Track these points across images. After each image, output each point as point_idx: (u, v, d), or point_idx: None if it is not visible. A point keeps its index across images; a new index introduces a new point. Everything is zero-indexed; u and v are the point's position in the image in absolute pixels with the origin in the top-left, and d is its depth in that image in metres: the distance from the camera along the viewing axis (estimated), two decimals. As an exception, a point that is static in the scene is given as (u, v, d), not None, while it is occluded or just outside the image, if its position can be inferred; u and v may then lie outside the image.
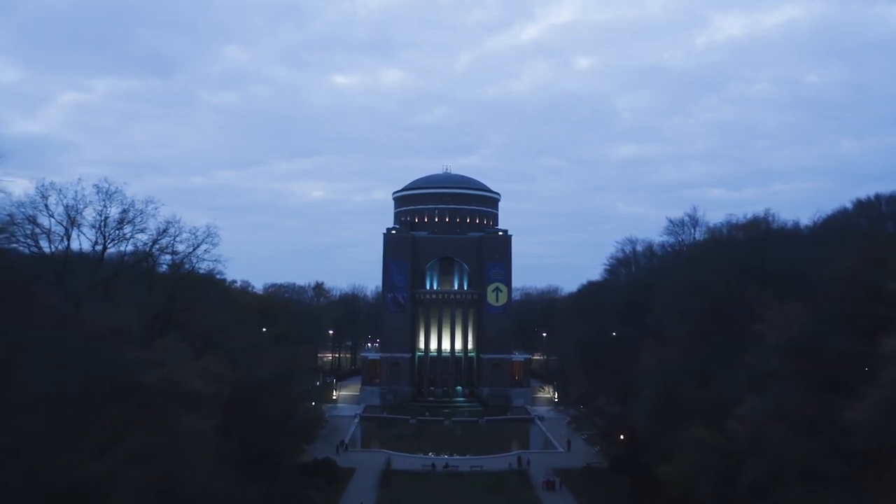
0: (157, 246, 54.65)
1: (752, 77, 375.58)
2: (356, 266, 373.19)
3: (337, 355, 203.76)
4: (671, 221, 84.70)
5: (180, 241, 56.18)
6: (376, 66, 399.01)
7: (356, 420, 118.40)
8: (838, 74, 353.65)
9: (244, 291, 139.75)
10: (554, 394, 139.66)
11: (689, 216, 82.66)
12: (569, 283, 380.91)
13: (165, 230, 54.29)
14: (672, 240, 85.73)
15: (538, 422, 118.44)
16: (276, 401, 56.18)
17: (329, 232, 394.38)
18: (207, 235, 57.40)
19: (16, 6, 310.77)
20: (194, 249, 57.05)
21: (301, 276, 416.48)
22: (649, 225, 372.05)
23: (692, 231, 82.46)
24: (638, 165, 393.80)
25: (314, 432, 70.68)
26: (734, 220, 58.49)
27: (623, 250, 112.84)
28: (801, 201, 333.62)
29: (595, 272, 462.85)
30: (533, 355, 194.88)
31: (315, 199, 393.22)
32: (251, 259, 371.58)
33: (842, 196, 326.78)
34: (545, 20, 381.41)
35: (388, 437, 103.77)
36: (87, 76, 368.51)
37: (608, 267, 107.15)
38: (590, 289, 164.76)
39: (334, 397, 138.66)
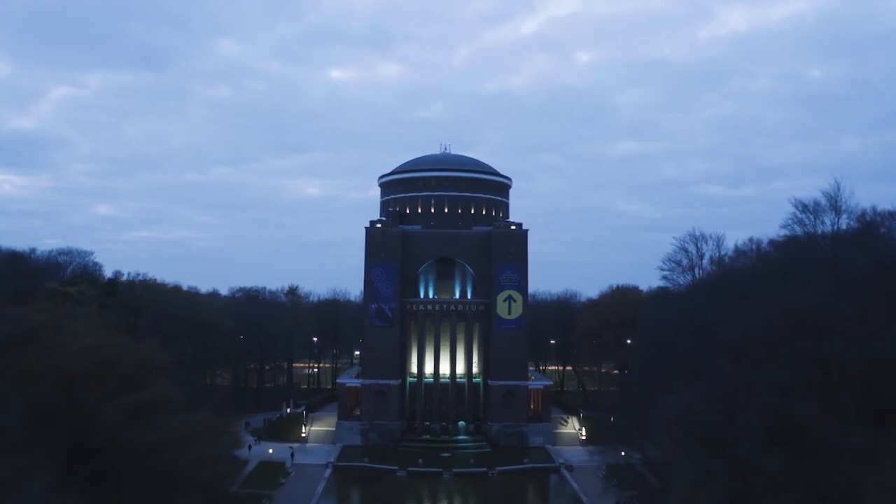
0: None
1: (755, 72, 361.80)
2: (350, 264, 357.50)
3: (316, 367, 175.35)
4: (799, 204, 57.18)
5: None
6: (373, 60, 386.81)
7: (327, 472, 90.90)
8: (842, 70, 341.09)
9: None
10: (580, 430, 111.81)
11: (829, 196, 55.28)
12: (571, 284, 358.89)
13: None
14: (798, 231, 58.11)
15: (565, 472, 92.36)
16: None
17: (326, 230, 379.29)
18: None
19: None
20: None
21: (289, 276, 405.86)
22: (649, 223, 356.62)
23: (835, 218, 55.16)
24: (637, 162, 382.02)
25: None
26: None
27: (684, 248, 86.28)
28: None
29: (606, 273, 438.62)
30: (544, 367, 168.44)
31: (310, 196, 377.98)
32: (248, 256, 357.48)
33: (842, 195, 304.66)
34: (546, 12, 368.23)
35: (369, 499, 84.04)
36: (79, 70, 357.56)
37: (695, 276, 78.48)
38: (618, 295, 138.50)
39: (304, 434, 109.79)
